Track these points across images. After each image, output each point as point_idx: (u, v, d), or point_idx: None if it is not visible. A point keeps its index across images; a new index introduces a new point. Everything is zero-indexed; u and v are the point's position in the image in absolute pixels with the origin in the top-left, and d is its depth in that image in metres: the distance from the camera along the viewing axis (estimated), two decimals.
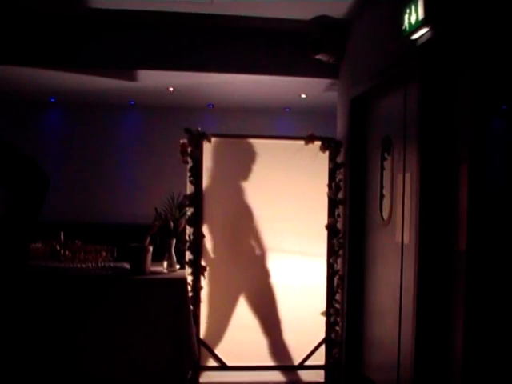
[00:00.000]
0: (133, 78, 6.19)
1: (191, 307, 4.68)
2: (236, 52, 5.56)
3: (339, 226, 5.26)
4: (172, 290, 4.47)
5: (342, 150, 5.28)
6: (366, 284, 5.01)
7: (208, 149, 5.11)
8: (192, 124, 5.19)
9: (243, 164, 5.23)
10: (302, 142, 5.24)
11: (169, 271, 4.81)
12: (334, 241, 5.26)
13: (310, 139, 5.24)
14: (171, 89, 6.83)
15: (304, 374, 5.27)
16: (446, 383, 3.61)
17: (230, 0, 4.97)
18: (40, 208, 2.23)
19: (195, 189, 5.04)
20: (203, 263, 5.05)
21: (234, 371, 5.15)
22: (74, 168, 8.07)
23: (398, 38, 3.97)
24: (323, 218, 5.25)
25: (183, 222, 4.97)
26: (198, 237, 5.03)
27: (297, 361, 5.25)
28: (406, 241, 4.11)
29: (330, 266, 5.26)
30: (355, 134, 5.17)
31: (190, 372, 4.70)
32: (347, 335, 5.15)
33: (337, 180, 5.24)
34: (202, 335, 5.06)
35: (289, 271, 5.24)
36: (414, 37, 3.72)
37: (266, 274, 5.21)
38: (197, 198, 5.04)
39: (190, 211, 5.02)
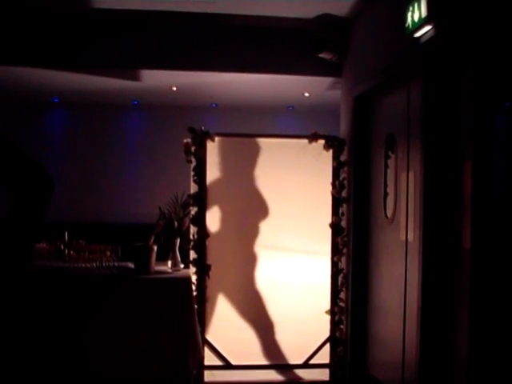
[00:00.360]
0: (136, 78, 6.20)
1: (196, 306, 4.68)
2: (239, 51, 5.55)
3: (343, 224, 5.26)
4: (176, 289, 4.46)
5: (346, 148, 5.28)
6: (370, 282, 5.01)
7: (212, 148, 5.12)
8: (196, 123, 5.19)
9: (247, 163, 5.23)
10: (305, 141, 5.24)
11: (173, 270, 4.81)
12: (338, 239, 5.25)
13: (313, 138, 5.24)
14: (175, 88, 6.84)
15: (309, 373, 5.27)
16: (450, 381, 3.61)
17: None
18: (44, 211, 2.23)
19: (199, 188, 5.05)
20: (207, 262, 5.05)
21: (238, 370, 5.15)
22: (78, 168, 8.08)
23: (401, 36, 3.97)
24: (327, 217, 5.25)
25: (187, 221, 4.98)
26: (202, 236, 5.04)
27: (301, 359, 5.25)
28: (410, 239, 4.10)
29: (334, 265, 5.26)
30: (359, 133, 5.16)
31: (195, 371, 4.70)
32: (352, 333, 5.15)
33: (341, 178, 5.24)
34: (206, 334, 5.07)
35: (293, 270, 5.24)
36: (417, 34, 3.72)
37: (272, 272, 5.21)
38: (201, 197, 5.04)
39: (194, 210, 5.03)
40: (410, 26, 3.77)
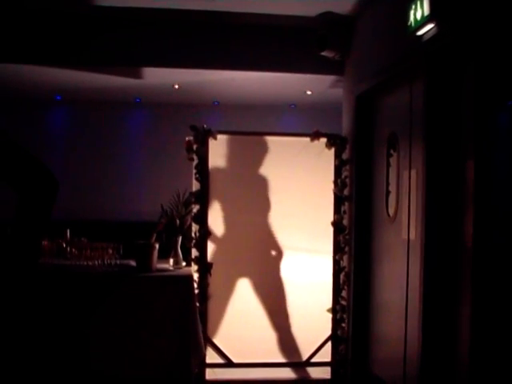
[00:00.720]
0: (138, 76, 6.20)
1: (197, 304, 4.68)
2: (241, 49, 5.55)
3: (345, 222, 5.26)
4: (178, 287, 4.47)
5: (348, 146, 5.27)
6: (372, 281, 5.01)
7: (214, 146, 5.12)
8: (198, 121, 5.19)
9: (249, 161, 5.23)
10: (307, 139, 5.24)
11: (175, 268, 4.81)
12: (340, 237, 5.25)
13: (315, 136, 5.23)
14: (177, 86, 6.84)
15: (310, 371, 5.27)
16: (452, 379, 3.61)
17: None
18: (49, 212, 2.22)
19: (201, 186, 5.05)
20: (209, 260, 5.06)
21: (240, 368, 5.15)
22: (80, 166, 8.08)
23: (403, 35, 3.96)
24: (329, 215, 5.25)
25: (189, 219, 4.98)
26: (204, 234, 5.04)
27: (303, 358, 5.25)
28: (412, 237, 4.10)
29: (335, 263, 5.26)
30: (361, 131, 5.16)
31: (197, 369, 4.70)
32: (353, 332, 5.15)
33: (343, 177, 5.24)
34: (208, 332, 5.07)
35: (295, 268, 5.24)
36: (420, 33, 3.71)
37: (274, 270, 5.22)
38: (202, 195, 5.04)
39: (195, 208, 5.03)
40: (413, 24, 3.77)
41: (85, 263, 4.70)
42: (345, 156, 5.26)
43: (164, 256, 4.82)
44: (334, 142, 5.25)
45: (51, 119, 8.27)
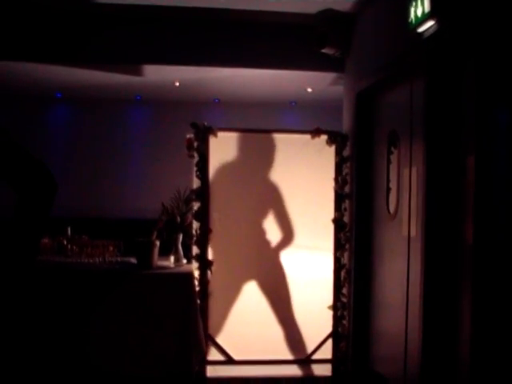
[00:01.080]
0: (139, 73, 6.20)
1: (198, 301, 4.69)
2: (241, 46, 5.55)
3: (346, 219, 5.26)
4: (179, 284, 4.48)
5: (349, 143, 5.27)
6: (372, 278, 5.00)
7: (214, 143, 5.11)
8: (198, 118, 5.19)
9: (249, 158, 5.23)
10: (308, 136, 5.24)
11: (176, 266, 4.82)
12: (341, 235, 5.25)
13: (316, 133, 5.23)
14: (177, 83, 6.83)
15: (311, 368, 5.28)
16: (453, 376, 3.62)
17: None
18: (47, 212, 2.23)
19: (202, 183, 5.05)
20: (210, 257, 5.06)
21: (240, 365, 5.16)
22: (81, 163, 8.08)
23: (404, 32, 3.96)
24: (330, 212, 5.25)
25: (190, 216, 4.98)
26: (205, 231, 5.04)
27: (304, 355, 5.26)
28: (412, 234, 4.10)
29: (336, 260, 5.26)
30: (361, 128, 5.15)
31: (197, 366, 4.71)
32: (354, 329, 5.15)
33: (343, 174, 5.24)
34: (209, 329, 5.07)
35: (295, 265, 5.24)
36: (420, 30, 3.71)
37: (275, 267, 5.22)
38: (203, 193, 5.04)
39: (196, 206, 5.03)
40: (413, 21, 3.76)
41: (86, 261, 4.71)
42: (345, 153, 5.26)
43: (165, 253, 4.83)
44: (334, 139, 5.25)
45: (52, 117, 8.27)
